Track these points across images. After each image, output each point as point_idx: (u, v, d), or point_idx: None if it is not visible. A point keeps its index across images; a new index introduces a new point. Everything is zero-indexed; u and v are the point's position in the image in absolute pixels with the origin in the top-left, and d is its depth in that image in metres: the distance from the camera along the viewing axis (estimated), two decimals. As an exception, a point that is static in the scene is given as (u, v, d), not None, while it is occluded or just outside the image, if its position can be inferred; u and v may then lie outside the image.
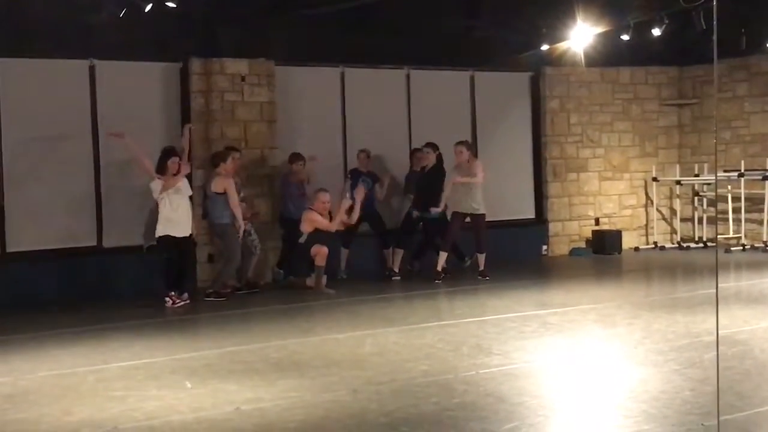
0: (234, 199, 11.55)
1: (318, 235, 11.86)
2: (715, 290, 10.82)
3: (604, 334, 8.80)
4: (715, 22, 4.80)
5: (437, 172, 13.00)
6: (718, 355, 6.01)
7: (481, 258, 12.86)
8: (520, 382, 6.78)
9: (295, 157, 12.83)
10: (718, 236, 16.00)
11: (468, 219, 12.86)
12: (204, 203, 12.02)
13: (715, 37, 5.01)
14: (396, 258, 13.30)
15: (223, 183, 11.57)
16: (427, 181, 13.02)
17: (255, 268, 12.33)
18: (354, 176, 13.24)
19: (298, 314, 10.47)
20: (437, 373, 7.16)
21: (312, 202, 12.12)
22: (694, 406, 5.91)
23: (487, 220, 13.00)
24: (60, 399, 6.72)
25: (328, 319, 10.16)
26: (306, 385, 6.89)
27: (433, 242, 13.28)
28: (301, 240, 11.91)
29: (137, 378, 7.33)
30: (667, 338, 8.32)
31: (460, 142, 13.06)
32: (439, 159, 13.14)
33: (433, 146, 13.16)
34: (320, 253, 11.79)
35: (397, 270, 13.22)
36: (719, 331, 5.41)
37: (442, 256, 12.80)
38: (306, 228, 11.89)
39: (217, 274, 12.00)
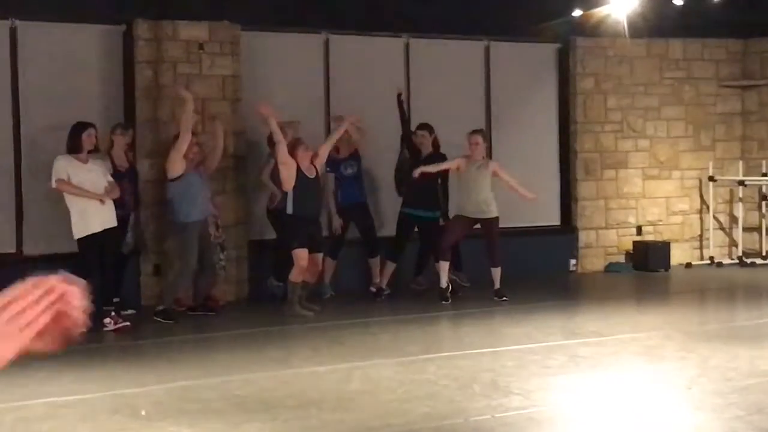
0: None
1: (301, 228, 11.82)
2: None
3: (649, 370, 8.83)
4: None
5: (434, 162, 13.06)
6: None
7: (496, 273, 12.87)
8: (544, 429, 6.80)
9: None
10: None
11: (477, 225, 12.88)
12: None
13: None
14: (386, 271, 13.32)
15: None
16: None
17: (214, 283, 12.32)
18: (334, 167, 13.24)
19: (267, 341, 10.48)
20: (442, 416, 7.19)
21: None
22: (762, 462, 5.95)
23: (501, 226, 13.02)
24: (-29, 443, 6.72)
25: (306, 347, 10.17)
26: (278, 429, 6.90)
27: (433, 249, 13.25)
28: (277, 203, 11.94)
29: (66, 418, 7.33)
30: (728, 377, 8.36)
31: (477, 131, 13.10)
32: (435, 145, 13.24)
33: (428, 128, 13.25)
34: (298, 263, 11.77)
35: (384, 286, 13.23)
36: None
37: (443, 268, 12.80)
38: (284, 173, 11.88)
39: (168, 285, 12.05)
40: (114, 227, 11.21)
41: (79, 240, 11.10)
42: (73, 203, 11.11)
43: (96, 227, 11.06)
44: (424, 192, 13.12)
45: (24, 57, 12.33)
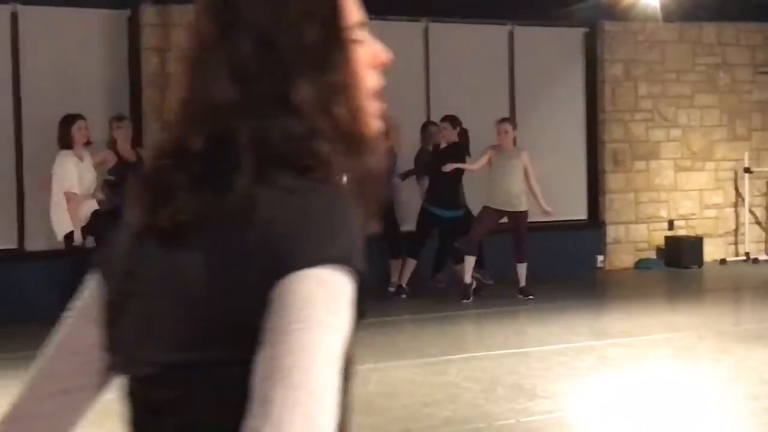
0: None
1: None
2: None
3: (681, 372, 8.82)
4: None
5: (457, 154, 13.00)
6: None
7: (522, 270, 12.86)
8: (573, 435, 6.81)
9: None
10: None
11: (505, 218, 12.86)
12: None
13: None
14: (406, 269, 13.30)
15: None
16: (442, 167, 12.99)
17: None
18: None
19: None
20: (464, 420, 7.18)
21: None
22: (801, 469, 5.94)
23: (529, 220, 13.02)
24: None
25: (320, 348, 10.16)
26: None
27: (451, 247, 13.29)
28: None
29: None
30: (765, 379, 8.33)
31: (506, 120, 13.13)
32: (463, 137, 13.22)
33: (452, 120, 13.21)
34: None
35: (405, 285, 13.22)
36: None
37: (469, 263, 12.80)
38: None
39: None
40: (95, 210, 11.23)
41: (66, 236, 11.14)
42: (61, 204, 11.06)
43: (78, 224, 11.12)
44: (447, 190, 13.07)
45: (25, 43, 12.35)
